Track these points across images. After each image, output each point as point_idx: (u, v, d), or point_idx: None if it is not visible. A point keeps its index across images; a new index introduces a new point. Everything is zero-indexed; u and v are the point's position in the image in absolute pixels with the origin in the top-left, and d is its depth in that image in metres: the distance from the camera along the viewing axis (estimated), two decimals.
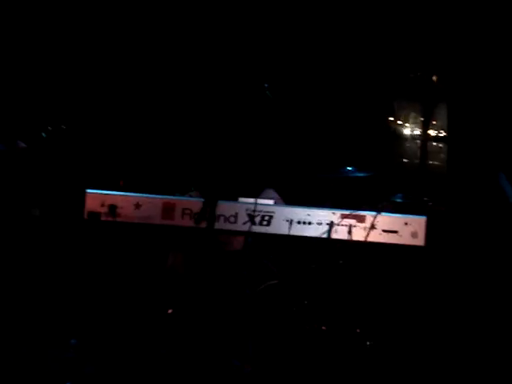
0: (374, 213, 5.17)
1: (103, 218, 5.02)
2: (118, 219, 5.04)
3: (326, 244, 5.28)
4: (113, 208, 5.03)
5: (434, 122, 7.26)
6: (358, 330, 5.28)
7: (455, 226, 6.03)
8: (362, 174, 5.80)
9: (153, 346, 5.16)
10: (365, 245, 5.23)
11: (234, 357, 5.04)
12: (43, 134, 5.26)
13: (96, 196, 5.05)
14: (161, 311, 5.36)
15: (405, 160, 7.18)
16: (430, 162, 7.14)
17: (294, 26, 6.84)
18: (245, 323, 5.34)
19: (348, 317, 5.32)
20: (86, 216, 5.02)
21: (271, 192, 5.60)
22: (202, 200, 4.85)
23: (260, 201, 5.17)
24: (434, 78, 7.24)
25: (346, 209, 5.25)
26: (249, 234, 5.23)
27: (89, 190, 5.04)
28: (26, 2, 6.62)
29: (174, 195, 5.24)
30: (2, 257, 5.64)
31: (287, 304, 5.39)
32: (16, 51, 6.55)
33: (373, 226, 5.15)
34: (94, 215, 5.01)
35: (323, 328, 5.25)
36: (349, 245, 5.28)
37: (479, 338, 5.39)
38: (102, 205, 5.03)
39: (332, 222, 5.17)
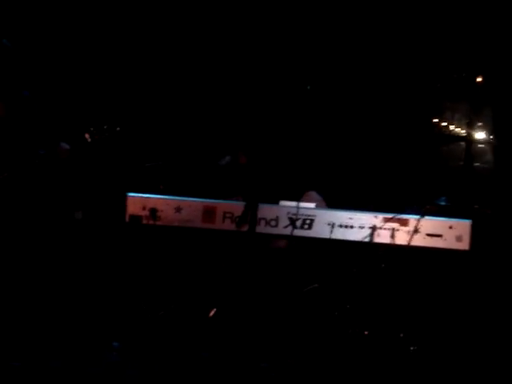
0: (417, 216, 5.10)
1: (144, 222, 5.04)
2: (159, 223, 5.05)
3: (368, 248, 5.22)
4: (154, 211, 5.04)
5: (480, 124, 7.16)
6: (401, 335, 5.21)
7: (501, 229, 5.92)
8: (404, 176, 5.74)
9: (194, 347, 5.16)
10: (408, 249, 5.15)
11: (265, 360, 5.01)
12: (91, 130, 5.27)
13: (137, 200, 5.07)
14: (202, 313, 5.36)
15: (450, 162, 7.10)
16: (476, 164, 7.04)
17: (341, 26, 6.80)
18: (286, 326, 5.31)
19: (391, 321, 5.25)
20: (127, 219, 5.04)
21: (313, 194, 5.55)
22: (244, 203, 4.83)
23: (301, 204, 5.13)
24: (479, 78, 7.13)
25: (389, 212, 5.18)
26: (290, 238, 5.19)
27: (130, 194, 5.06)
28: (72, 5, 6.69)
29: (215, 199, 5.22)
30: (46, 259, 5.70)
31: (329, 308, 5.34)
32: (60, 52, 6.62)
33: (416, 230, 5.08)
34: (136, 218, 5.03)
35: (365, 332, 5.19)
36: (391, 248, 5.21)
37: None
38: (144, 208, 5.04)
39: (374, 225, 5.11)
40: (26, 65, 5.44)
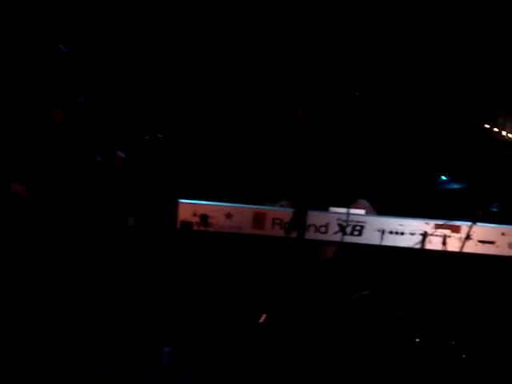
0: (469, 223, 5.04)
1: (195, 228, 5.08)
2: (210, 229, 5.08)
3: (419, 254, 5.17)
4: (204, 218, 5.08)
5: None
6: (453, 343, 5.15)
7: None
8: (456, 186, 5.66)
9: (245, 354, 5.18)
10: (460, 255, 5.09)
11: (325, 371, 4.99)
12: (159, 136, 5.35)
13: (188, 206, 5.11)
14: (253, 320, 5.37)
15: (501, 169, 6.98)
16: None
17: (393, 32, 6.78)
18: (337, 334, 5.29)
19: (443, 329, 5.19)
20: (178, 225, 5.08)
21: (363, 202, 5.53)
22: (293, 210, 4.83)
23: (351, 211, 5.11)
24: None
25: (440, 218, 5.13)
26: (340, 244, 5.18)
27: (181, 200, 5.11)
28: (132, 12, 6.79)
29: (263, 205, 5.24)
30: (98, 266, 5.79)
31: (380, 315, 5.31)
32: (117, 59, 6.72)
33: (468, 237, 5.01)
34: (187, 225, 5.07)
35: (417, 340, 5.14)
36: (443, 255, 5.15)
37: None
38: (194, 214, 5.08)
39: (425, 232, 5.06)
40: (82, 71, 5.54)
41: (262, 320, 5.25)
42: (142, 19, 6.78)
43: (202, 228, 5.07)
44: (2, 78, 6.17)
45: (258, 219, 5.12)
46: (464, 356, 5.12)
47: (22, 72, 5.81)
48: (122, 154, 5.31)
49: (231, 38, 6.82)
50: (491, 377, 5.09)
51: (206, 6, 6.84)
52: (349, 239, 5.09)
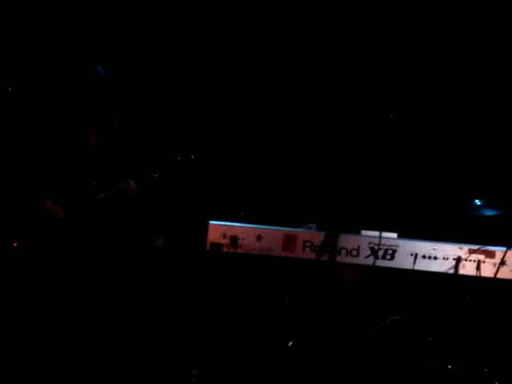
0: (504, 248, 4.95)
1: (225, 250, 5.04)
2: (239, 251, 5.05)
3: (451, 279, 5.09)
4: (234, 239, 5.04)
5: None
6: (485, 370, 5.05)
7: None
8: (491, 212, 5.58)
9: (271, 377, 5.14)
10: (494, 281, 5.01)
11: None
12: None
13: (218, 227, 5.08)
14: (280, 344, 5.32)
15: None
16: None
17: (418, 57, 6.74)
18: (365, 360, 5.22)
19: (475, 355, 5.10)
20: (208, 247, 5.06)
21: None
22: (324, 232, 4.78)
23: (384, 234, 5.05)
24: None
25: (474, 243, 5.05)
26: (371, 268, 5.11)
27: (211, 222, 5.08)
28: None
29: (293, 227, 5.19)
30: (128, 287, 5.78)
31: (411, 341, 5.23)
32: (148, 81, 6.77)
33: (503, 262, 4.93)
34: (216, 246, 5.05)
35: (449, 366, 5.06)
36: (477, 281, 5.07)
37: None
38: (224, 236, 5.05)
39: (459, 257, 4.98)
40: (118, 93, 5.57)
41: (289, 344, 5.21)
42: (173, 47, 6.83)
43: (232, 250, 5.03)
44: (43, 96, 6.25)
45: (289, 241, 5.07)
46: (497, 383, 5.01)
47: (62, 92, 5.88)
48: (133, 184, 5.32)
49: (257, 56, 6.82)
50: None
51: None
52: (381, 263, 5.02)
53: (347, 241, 5.02)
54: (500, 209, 5.60)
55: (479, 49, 6.71)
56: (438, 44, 6.74)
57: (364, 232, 5.11)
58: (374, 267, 5.04)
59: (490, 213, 5.60)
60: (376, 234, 5.05)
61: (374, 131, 6.08)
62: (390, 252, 5.03)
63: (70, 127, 5.27)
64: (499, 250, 4.95)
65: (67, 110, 5.33)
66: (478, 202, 5.64)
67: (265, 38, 6.80)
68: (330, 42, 6.73)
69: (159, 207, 6.35)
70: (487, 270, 4.95)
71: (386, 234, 5.05)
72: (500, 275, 4.92)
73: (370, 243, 5.04)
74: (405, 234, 5.26)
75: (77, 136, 5.27)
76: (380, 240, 5.00)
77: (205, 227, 5.05)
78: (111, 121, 5.42)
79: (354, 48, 6.69)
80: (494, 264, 4.94)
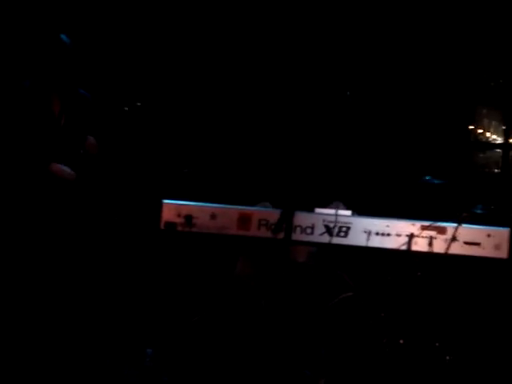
0: (455, 224, 5.04)
1: (179, 229, 5.02)
2: (194, 229, 5.04)
3: (403, 256, 5.17)
4: (189, 218, 5.03)
5: None
6: (436, 344, 5.15)
7: None
8: (438, 181, 5.67)
9: (226, 355, 5.15)
10: (445, 257, 5.10)
11: (307, 367, 4.98)
12: None
13: (172, 206, 5.05)
14: (234, 320, 5.35)
15: (486, 169, 7.03)
16: None
17: (375, 34, 6.79)
18: (320, 335, 5.28)
19: (426, 330, 5.19)
20: (162, 226, 5.03)
21: (339, 205, 5.50)
22: (279, 211, 4.80)
23: (338, 212, 5.09)
24: None
25: (425, 220, 5.13)
26: (325, 246, 5.15)
27: (165, 201, 5.05)
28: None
29: (248, 206, 5.19)
30: (80, 267, 5.72)
31: (363, 316, 5.30)
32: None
33: (454, 238, 5.01)
34: (171, 225, 5.02)
35: (401, 341, 5.14)
36: (428, 257, 5.16)
37: None
38: (178, 215, 5.03)
39: (412, 233, 5.05)
40: (83, 63, 5.45)
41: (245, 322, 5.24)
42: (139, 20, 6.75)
43: (187, 229, 5.02)
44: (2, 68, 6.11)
45: (244, 220, 5.07)
46: (448, 358, 5.11)
47: (23, 61, 5.74)
48: (93, 140, 5.22)
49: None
50: (474, 378, 5.10)
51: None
52: (335, 240, 5.06)
53: (302, 218, 5.04)
54: (446, 179, 5.70)
55: (433, 30, 6.80)
56: (394, 25, 6.81)
57: (318, 210, 5.14)
58: (328, 244, 5.08)
59: (436, 182, 5.69)
60: (330, 211, 5.09)
61: (330, 109, 6.12)
62: (344, 229, 5.08)
63: (33, 97, 5.12)
64: (450, 226, 5.03)
65: (32, 80, 5.18)
66: (428, 177, 5.74)
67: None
68: (289, 22, 6.73)
69: (112, 187, 6.28)
70: (439, 246, 5.03)
71: (340, 212, 5.09)
72: (451, 251, 5.00)
73: (324, 221, 5.07)
74: (359, 210, 5.33)
75: (40, 105, 5.13)
76: (334, 217, 5.04)
77: (159, 206, 5.02)
78: (76, 90, 5.28)
79: (312, 26, 6.70)
80: (446, 240, 5.02)
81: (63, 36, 5.13)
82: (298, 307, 5.39)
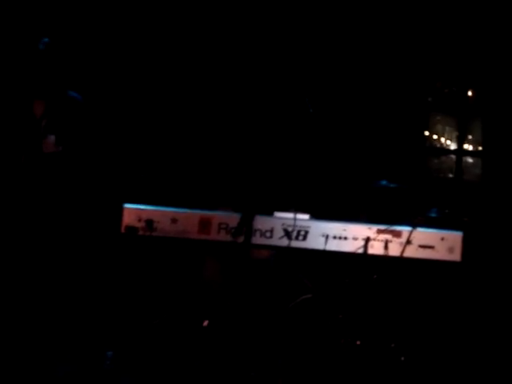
0: (410, 228, 5.15)
1: (140, 233, 5.06)
2: (155, 234, 5.07)
3: (361, 259, 5.26)
4: (150, 222, 5.06)
5: (470, 137, 7.24)
6: (392, 345, 5.25)
7: (490, 240, 5.99)
8: (393, 185, 5.79)
9: (187, 357, 5.19)
10: (401, 260, 5.21)
11: (262, 369, 5.04)
12: None
13: (133, 211, 5.09)
14: (195, 324, 5.38)
15: (440, 174, 7.16)
16: (466, 177, 7.11)
17: (333, 39, 6.86)
18: (278, 337, 5.34)
19: (383, 331, 5.29)
20: (123, 230, 5.06)
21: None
22: (239, 215, 4.87)
23: (297, 216, 5.16)
24: (470, 92, 7.22)
25: (381, 223, 5.23)
26: (283, 249, 5.23)
27: (126, 205, 5.08)
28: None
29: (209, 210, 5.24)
30: (41, 270, 5.70)
31: (321, 318, 5.37)
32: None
33: (409, 242, 5.13)
34: (131, 230, 5.05)
35: (357, 342, 5.23)
36: (384, 260, 5.26)
37: None
38: (139, 219, 5.06)
39: (368, 237, 5.16)
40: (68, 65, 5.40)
41: (205, 324, 5.27)
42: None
43: (148, 233, 5.05)
44: None
45: (204, 224, 5.13)
46: (403, 358, 5.22)
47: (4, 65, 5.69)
48: (52, 138, 5.19)
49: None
50: (429, 378, 5.21)
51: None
52: (294, 244, 5.14)
53: (261, 222, 5.12)
54: (400, 184, 5.81)
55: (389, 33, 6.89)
56: (349, 33, 6.89)
57: (277, 213, 5.21)
58: (287, 248, 5.16)
59: (392, 185, 5.80)
60: (289, 215, 5.17)
61: (289, 114, 6.18)
62: (302, 233, 5.17)
63: (15, 99, 5.07)
64: (406, 230, 5.14)
65: (14, 82, 5.12)
66: (383, 182, 5.85)
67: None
68: (247, 28, 6.78)
69: (72, 191, 6.26)
70: (395, 249, 5.15)
71: (298, 216, 5.17)
72: (406, 254, 5.12)
73: (283, 224, 5.15)
74: (318, 214, 5.41)
75: (21, 108, 5.07)
76: (294, 221, 5.12)
77: (119, 210, 5.04)
78: (64, 93, 5.21)
79: (270, 32, 6.76)
80: (401, 243, 5.13)
81: (46, 39, 5.08)
82: (258, 309, 5.45)
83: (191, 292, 5.59)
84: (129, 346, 5.31)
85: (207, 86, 6.72)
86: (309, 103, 5.29)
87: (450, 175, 7.16)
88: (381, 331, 5.28)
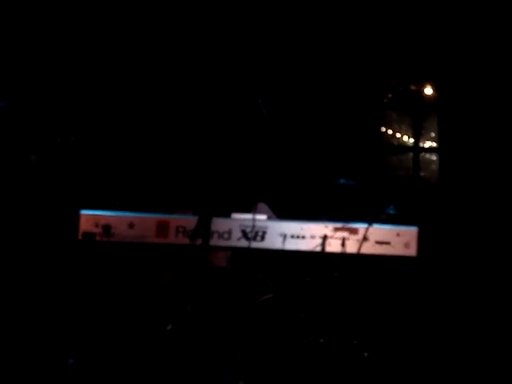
0: (366, 225, 5.19)
1: (98, 238, 5.03)
2: (113, 239, 5.06)
3: (321, 257, 5.29)
4: (107, 228, 5.04)
5: (433, 134, 7.33)
6: (355, 342, 5.29)
7: (446, 236, 6.06)
8: (350, 182, 5.83)
9: (149, 361, 5.17)
10: (359, 257, 5.24)
11: (225, 371, 5.04)
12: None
13: (90, 216, 5.06)
14: (156, 328, 5.37)
15: (397, 171, 7.23)
16: (422, 174, 7.19)
17: (286, 38, 6.89)
18: (239, 337, 5.35)
19: (345, 328, 5.32)
20: (80, 236, 5.03)
21: (264, 206, 5.61)
22: (196, 217, 4.87)
23: (254, 216, 5.18)
24: (426, 90, 7.30)
25: (342, 221, 5.26)
26: (242, 250, 5.24)
27: (83, 211, 5.06)
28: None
29: (167, 214, 5.24)
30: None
31: (283, 317, 5.39)
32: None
33: (365, 238, 5.16)
34: (89, 236, 5.03)
35: (321, 340, 5.25)
36: (344, 257, 5.29)
37: (475, 345, 5.41)
38: (96, 225, 5.04)
39: (325, 235, 5.18)
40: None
41: (168, 328, 5.26)
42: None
43: (105, 238, 5.03)
44: None
45: (162, 228, 5.12)
46: (366, 354, 5.26)
47: None
48: (34, 158, 5.18)
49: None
50: (392, 373, 5.25)
51: None
52: (252, 244, 5.15)
53: (219, 224, 5.12)
54: (360, 181, 5.86)
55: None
56: (300, 31, 6.93)
57: (235, 215, 5.22)
58: (245, 249, 5.17)
59: (349, 183, 5.85)
60: (246, 216, 5.18)
61: (244, 116, 6.20)
62: (260, 233, 5.18)
63: None
64: (362, 227, 5.18)
65: None
66: (342, 180, 5.90)
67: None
68: (199, 28, 6.79)
69: (28, 197, 6.22)
70: (352, 246, 5.18)
71: (256, 216, 5.19)
72: (363, 250, 5.16)
73: (241, 226, 5.16)
74: (280, 213, 5.44)
75: None
76: (251, 222, 5.13)
77: (76, 216, 5.01)
78: None
79: (224, 31, 6.78)
80: (358, 240, 5.16)
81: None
82: (219, 311, 5.45)
83: (150, 296, 5.58)
84: (90, 352, 5.28)
85: (162, 90, 6.72)
86: (262, 104, 5.31)
87: (407, 172, 7.23)
88: (343, 328, 5.31)
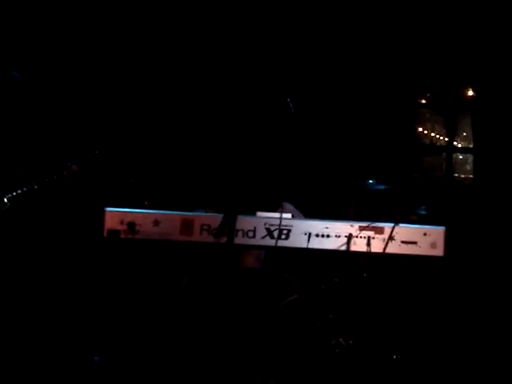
0: (392, 224, 5.13)
1: (122, 236, 5.06)
2: (137, 236, 5.07)
3: (348, 257, 5.24)
4: (132, 225, 5.07)
5: (464, 134, 7.24)
6: (385, 344, 5.23)
7: (477, 237, 5.96)
8: (382, 187, 5.77)
9: (175, 362, 5.18)
10: (386, 257, 5.18)
11: (255, 371, 5.03)
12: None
13: (115, 214, 5.09)
14: (181, 328, 5.38)
15: (430, 172, 7.16)
16: (456, 174, 7.11)
17: (320, 36, 6.87)
18: (267, 339, 5.32)
19: (374, 330, 5.27)
20: (105, 234, 5.06)
21: (289, 206, 5.57)
22: (221, 215, 4.85)
23: (278, 215, 5.15)
24: (461, 90, 7.22)
25: (371, 221, 5.20)
26: (267, 248, 5.22)
27: (108, 208, 5.09)
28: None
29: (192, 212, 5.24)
30: (29, 276, 5.74)
31: (311, 318, 5.35)
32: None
33: (391, 238, 5.10)
34: (114, 233, 5.06)
35: (350, 342, 5.20)
36: (371, 258, 5.23)
37: (502, 349, 5.31)
38: (121, 222, 5.07)
39: (350, 234, 5.13)
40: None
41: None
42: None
43: (130, 236, 5.05)
44: None
45: (186, 225, 5.12)
46: (395, 357, 5.19)
47: None
48: (75, 167, 5.26)
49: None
50: (421, 377, 5.19)
51: None
52: (277, 243, 5.12)
53: (243, 222, 5.10)
54: (388, 184, 5.79)
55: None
56: (338, 28, 6.90)
57: (259, 213, 5.20)
58: (270, 247, 5.15)
59: (381, 187, 5.79)
60: (271, 215, 5.16)
61: (271, 114, 6.18)
62: (285, 232, 5.14)
63: None
64: (387, 226, 5.11)
65: None
66: (370, 181, 5.84)
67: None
68: (225, 27, 6.80)
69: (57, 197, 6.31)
70: (377, 246, 5.11)
71: (280, 215, 5.15)
72: (389, 250, 5.08)
73: (265, 224, 5.14)
74: (307, 214, 5.40)
75: None
76: (277, 221, 5.11)
77: (101, 214, 5.05)
78: (8, 73, 5.21)
79: (251, 30, 6.78)
80: (383, 239, 5.10)
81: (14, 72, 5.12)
82: (246, 311, 5.44)
83: (176, 294, 5.59)
84: (116, 350, 5.31)
85: (186, 89, 6.75)
86: (290, 103, 5.28)
87: (440, 172, 7.15)
88: (372, 330, 5.26)
